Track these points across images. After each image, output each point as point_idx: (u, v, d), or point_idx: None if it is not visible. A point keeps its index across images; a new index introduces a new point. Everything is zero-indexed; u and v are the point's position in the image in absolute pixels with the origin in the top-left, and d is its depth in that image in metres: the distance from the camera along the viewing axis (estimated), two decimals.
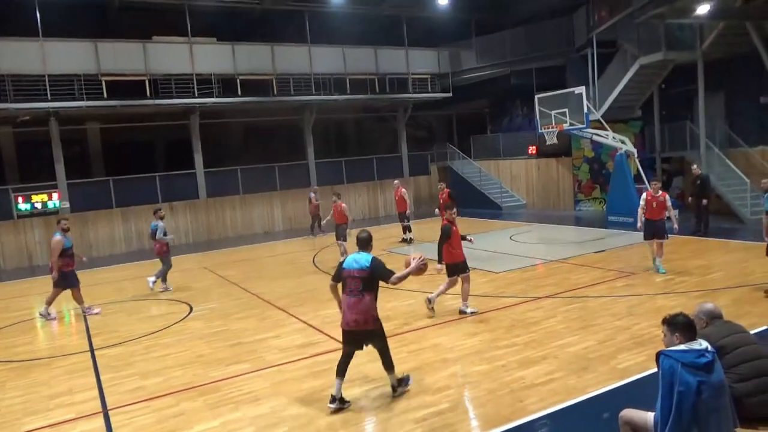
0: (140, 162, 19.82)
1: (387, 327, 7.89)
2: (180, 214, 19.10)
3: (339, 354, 5.65)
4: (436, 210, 13.40)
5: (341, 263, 5.65)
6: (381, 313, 8.51)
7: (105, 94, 16.75)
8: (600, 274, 10.18)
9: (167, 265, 11.61)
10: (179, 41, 18.24)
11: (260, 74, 19.29)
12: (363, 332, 5.43)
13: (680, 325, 3.59)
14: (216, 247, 17.75)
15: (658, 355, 3.51)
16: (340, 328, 5.56)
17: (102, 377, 6.83)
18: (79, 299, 9.98)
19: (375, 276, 5.40)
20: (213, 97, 18.37)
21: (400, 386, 5.70)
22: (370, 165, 23.04)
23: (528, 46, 21.60)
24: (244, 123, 22.64)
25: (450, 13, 22.47)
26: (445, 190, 14.76)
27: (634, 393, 5.23)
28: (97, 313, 10.02)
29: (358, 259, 5.47)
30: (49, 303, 9.86)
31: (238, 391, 6.08)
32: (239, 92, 18.87)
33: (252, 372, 6.61)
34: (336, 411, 5.34)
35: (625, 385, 5.54)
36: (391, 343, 7.17)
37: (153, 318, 9.55)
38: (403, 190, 15.92)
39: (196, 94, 18.08)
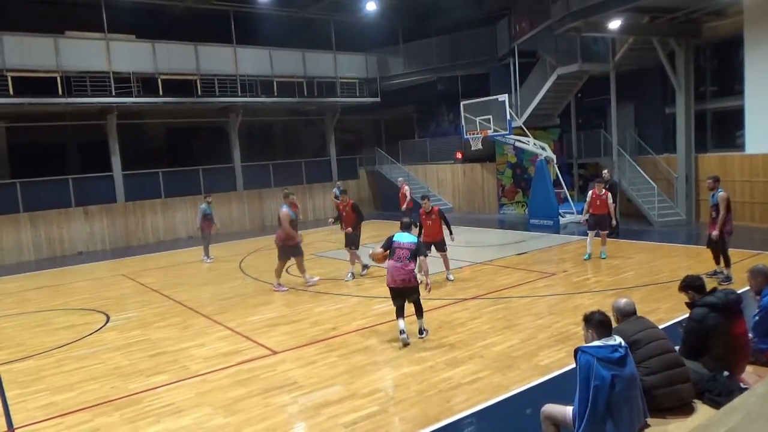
0: (51, 164, 18.63)
1: (316, 332, 7.87)
2: (95, 219, 18.09)
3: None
4: (332, 219, 12.16)
5: (391, 237, 7.29)
6: (310, 319, 8.52)
7: (11, 91, 15.62)
8: (522, 275, 10.55)
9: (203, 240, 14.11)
10: (95, 37, 17.30)
11: (183, 74, 18.64)
12: (407, 288, 7.08)
13: (595, 322, 3.77)
14: (135, 253, 16.96)
15: (576, 351, 3.67)
16: (386, 286, 7.24)
17: (7, 394, 6.34)
18: (301, 268, 10.72)
19: (417, 250, 7.16)
20: (132, 96, 17.55)
21: (425, 331, 7.26)
22: (299, 169, 22.81)
23: (453, 54, 22.13)
24: (166, 124, 21.81)
25: (377, 19, 22.67)
26: (349, 201, 11.73)
27: (555, 388, 5.45)
28: (316, 282, 10.68)
29: (407, 237, 7.26)
30: (278, 275, 10.62)
31: (158, 403, 5.82)
32: (160, 92, 18.14)
33: (174, 383, 6.35)
34: (405, 344, 7.00)
35: (546, 381, 5.75)
36: (321, 348, 7.16)
37: (65, 329, 8.97)
38: (407, 187, 15.97)
39: (114, 93, 17.21)
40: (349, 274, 11.23)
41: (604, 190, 11.38)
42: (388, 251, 7.19)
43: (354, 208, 11.43)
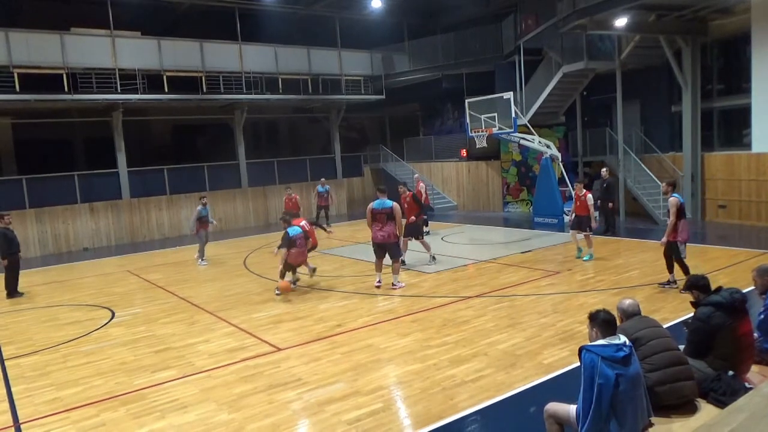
0: (57, 160, 18.72)
1: (320, 329, 7.89)
2: (101, 215, 18.17)
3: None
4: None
5: (287, 232, 9.68)
6: (315, 315, 8.55)
7: (17, 88, 15.69)
8: (527, 274, 10.54)
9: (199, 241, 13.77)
10: (100, 34, 17.34)
11: (188, 71, 18.66)
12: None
13: (599, 321, 3.77)
14: (140, 249, 17.03)
15: (581, 350, 3.67)
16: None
17: (14, 389, 6.38)
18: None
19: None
20: (137, 93, 17.58)
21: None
22: (303, 166, 22.82)
23: (458, 51, 22.09)
24: (171, 121, 21.85)
25: (383, 16, 22.65)
26: (408, 192, 12.47)
27: (559, 387, 5.45)
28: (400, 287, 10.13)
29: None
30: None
31: (164, 398, 5.85)
32: (166, 89, 18.17)
33: (179, 378, 6.38)
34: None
35: (550, 379, 5.76)
36: (325, 345, 7.18)
37: (71, 325, 9.02)
38: (422, 184, 16.00)
39: (119, 90, 17.26)
40: (430, 258, 11.88)
41: (584, 191, 11.28)
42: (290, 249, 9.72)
43: (414, 199, 12.08)
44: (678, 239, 8.59)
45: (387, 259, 9.99)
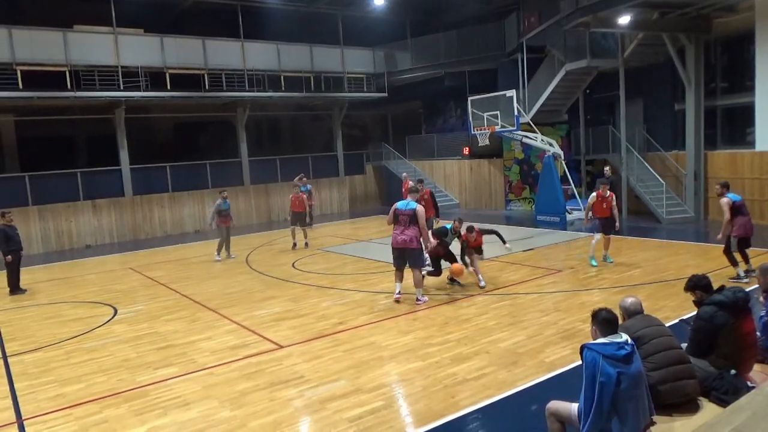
0: (60, 157, 18.75)
1: (322, 326, 7.89)
2: (103, 213, 18.20)
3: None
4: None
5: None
6: (317, 313, 8.55)
7: (20, 85, 15.71)
8: (528, 272, 10.54)
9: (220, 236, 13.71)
10: (103, 31, 17.36)
11: (191, 68, 18.66)
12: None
13: (600, 320, 3.77)
14: (143, 247, 17.06)
15: (582, 348, 3.67)
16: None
17: (17, 385, 6.40)
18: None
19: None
20: (140, 90, 17.60)
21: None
22: (305, 163, 22.80)
23: (461, 49, 22.05)
24: (174, 118, 21.87)
25: (385, 14, 22.62)
26: (426, 189, 12.41)
27: (561, 385, 5.44)
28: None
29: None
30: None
31: (166, 395, 5.86)
32: (168, 86, 18.18)
33: (181, 375, 6.39)
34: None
35: (552, 377, 5.75)
36: (326, 343, 7.18)
37: (74, 321, 9.04)
38: (410, 183, 15.99)
39: (122, 88, 17.27)
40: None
41: (609, 192, 10.62)
42: None
43: (432, 196, 12.45)
44: (732, 234, 9.02)
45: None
